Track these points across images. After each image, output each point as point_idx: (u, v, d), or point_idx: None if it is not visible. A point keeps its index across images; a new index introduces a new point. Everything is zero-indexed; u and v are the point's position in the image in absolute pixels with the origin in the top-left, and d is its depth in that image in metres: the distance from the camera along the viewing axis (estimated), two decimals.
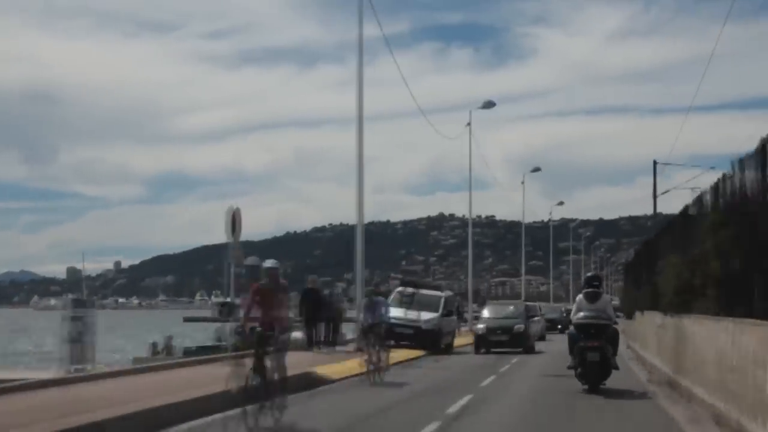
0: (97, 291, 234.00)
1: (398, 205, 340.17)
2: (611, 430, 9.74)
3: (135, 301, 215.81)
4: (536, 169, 57.44)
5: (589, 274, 17.91)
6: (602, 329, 13.68)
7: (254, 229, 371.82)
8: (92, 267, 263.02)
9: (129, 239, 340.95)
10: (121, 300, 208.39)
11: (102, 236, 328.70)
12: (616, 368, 13.93)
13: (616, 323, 14.52)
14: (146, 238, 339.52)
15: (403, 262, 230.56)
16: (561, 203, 74.63)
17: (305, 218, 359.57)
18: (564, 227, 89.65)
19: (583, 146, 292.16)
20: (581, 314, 13.89)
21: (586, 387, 13.48)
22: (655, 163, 37.31)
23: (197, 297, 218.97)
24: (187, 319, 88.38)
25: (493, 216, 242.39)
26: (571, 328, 14.27)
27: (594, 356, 13.40)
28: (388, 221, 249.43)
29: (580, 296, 14.24)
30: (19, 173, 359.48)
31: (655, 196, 36.95)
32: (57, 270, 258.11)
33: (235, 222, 19.34)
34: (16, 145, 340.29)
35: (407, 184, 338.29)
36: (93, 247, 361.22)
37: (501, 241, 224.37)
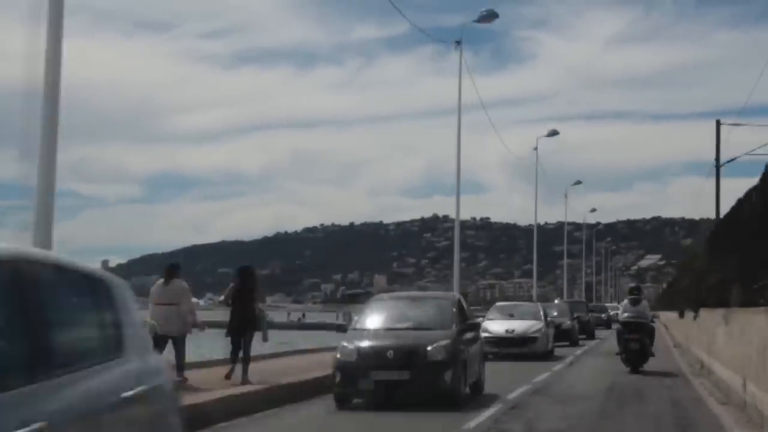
0: None
1: (394, 207, 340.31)
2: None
3: None
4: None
5: (631, 285, 22.99)
6: (642, 326, 18.22)
7: (248, 230, 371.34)
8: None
9: (123, 239, 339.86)
10: None
11: (97, 235, 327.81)
12: (653, 355, 18.53)
13: (653, 322, 19.76)
14: (140, 237, 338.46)
15: (395, 264, 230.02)
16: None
17: (300, 220, 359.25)
18: (560, 230, 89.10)
19: (581, 151, 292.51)
20: (626, 315, 18.60)
21: (628, 369, 17.89)
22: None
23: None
24: None
25: (488, 218, 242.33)
26: (618, 325, 19.25)
27: (635, 346, 17.99)
28: (380, 222, 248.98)
29: (625, 301, 19.32)
30: (16, 171, 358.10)
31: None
32: None
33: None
34: (13, 143, 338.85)
35: (403, 186, 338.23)
36: (88, 246, 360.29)
37: (496, 244, 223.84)
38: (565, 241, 60.73)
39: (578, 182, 57.32)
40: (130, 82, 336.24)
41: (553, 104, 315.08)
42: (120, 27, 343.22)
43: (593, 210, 74.16)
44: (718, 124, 31.61)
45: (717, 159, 31.40)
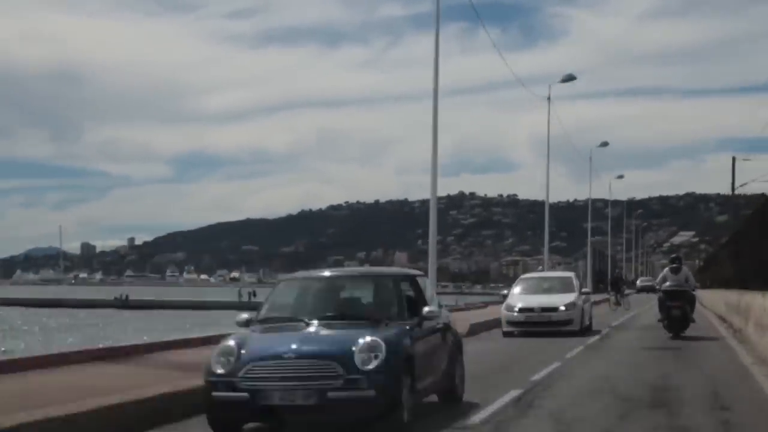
0: (107, 267, 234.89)
1: (420, 185, 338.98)
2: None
3: (98, 276, 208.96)
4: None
5: (672, 255, 23.92)
6: (682, 294, 18.94)
7: (275, 208, 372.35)
8: (108, 244, 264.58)
9: (150, 217, 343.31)
10: (82, 275, 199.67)
11: (125, 214, 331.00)
12: (693, 321, 19.26)
13: (694, 289, 19.84)
14: (167, 216, 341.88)
15: (419, 242, 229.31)
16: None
17: (326, 198, 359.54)
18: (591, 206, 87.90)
19: (613, 128, 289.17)
20: (667, 283, 19.29)
21: (670, 335, 18.66)
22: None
23: (168, 273, 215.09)
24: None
25: (515, 195, 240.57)
26: (660, 293, 19.63)
27: (677, 312, 18.80)
28: (406, 200, 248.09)
29: (666, 270, 19.75)
30: (47, 151, 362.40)
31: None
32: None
33: None
34: (43, 123, 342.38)
35: (430, 164, 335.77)
36: (115, 224, 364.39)
37: (522, 221, 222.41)
38: (590, 207, 59.91)
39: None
40: (157, 62, 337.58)
41: (584, 81, 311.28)
42: (145, 7, 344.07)
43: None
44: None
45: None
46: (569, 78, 38.70)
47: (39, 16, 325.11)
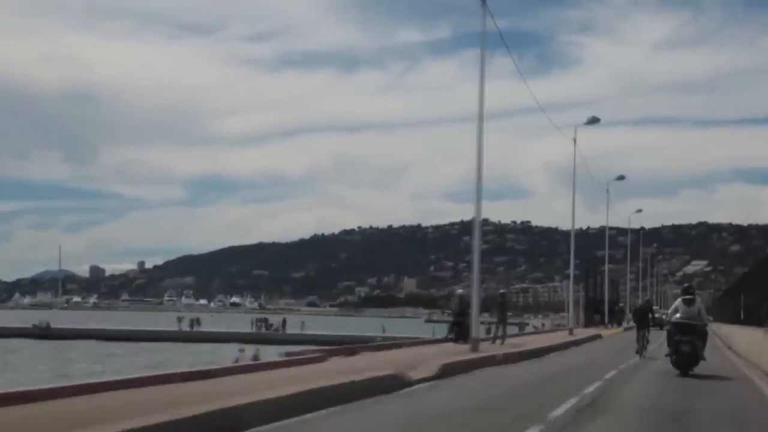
0: (115, 290, 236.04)
1: (435, 211, 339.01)
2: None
3: (92, 300, 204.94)
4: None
5: (685, 285, 22.16)
6: (693, 328, 17.49)
7: (290, 233, 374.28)
8: (119, 267, 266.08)
9: (164, 241, 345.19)
10: (75, 299, 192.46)
11: (138, 237, 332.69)
12: (704, 359, 17.69)
13: (706, 324, 18.36)
14: (180, 239, 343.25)
15: (432, 267, 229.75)
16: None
17: (342, 223, 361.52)
18: (603, 234, 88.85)
19: (627, 157, 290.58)
20: (677, 315, 17.89)
21: (678, 372, 17.31)
22: None
23: (165, 297, 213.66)
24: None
25: (529, 222, 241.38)
26: (670, 326, 18.18)
27: (686, 348, 17.42)
28: (419, 225, 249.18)
29: (678, 301, 18.15)
30: (61, 173, 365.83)
31: None
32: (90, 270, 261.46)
33: None
34: (58, 145, 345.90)
35: (445, 190, 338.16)
36: (129, 248, 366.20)
37: (536, 248, 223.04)
38: (607, 237, 60.76)
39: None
40: (175, 84, 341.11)
41: (599, 109, 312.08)
42: (164, 30, 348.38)
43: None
44: None
45: None
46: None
47: (58, 37, 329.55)
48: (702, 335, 17.68)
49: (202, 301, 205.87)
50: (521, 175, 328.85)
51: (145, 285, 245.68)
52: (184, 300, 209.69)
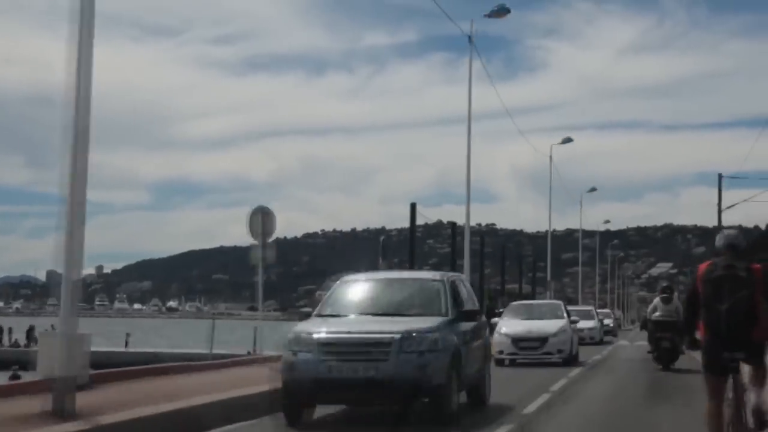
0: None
1: (402, 215, 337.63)
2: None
3: (15, 305, 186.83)
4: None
5: (664, 284, 25.47)
6: (673, 324, 18.73)
7: (251, 237, 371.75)
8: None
9: (127, 245, 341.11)
10: None
11: (102, 241, 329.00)
12: (683, 353, 18.72)
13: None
14: (144, 244, 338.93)
15: None
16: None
17: (305, 227, 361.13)
18: (569, 237, 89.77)
19: (593, 160, 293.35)
20: (657, 313, 19.50)
21: (660, 367, 18.86)
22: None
23: (96, 302, 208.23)
24: None
25: (494, 224, 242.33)
26: (650, 323, 19.75)
27: (666, 344, 18.94)
28: (383, 228, 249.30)
29: (657, 300, 19.96)
30: (24, 177, 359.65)
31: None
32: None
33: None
34: (20, 149, 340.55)
35: (413, 195, 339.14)
36: (92, 252, 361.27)
37: (501, 251, 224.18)
38: (580, 250, 61.46)
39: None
40: (139, 87, 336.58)
41: (564, 113, 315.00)
42: (128, 32, 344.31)
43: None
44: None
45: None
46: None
47: (18, 37, 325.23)
48: (680, 331, 18.10)
49: (137, 306, 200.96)
50: (489, 179, 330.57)
51: (101, 290, 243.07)
52: (117, 305, 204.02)
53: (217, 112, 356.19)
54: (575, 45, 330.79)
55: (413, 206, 25.77)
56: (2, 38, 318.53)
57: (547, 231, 51.06)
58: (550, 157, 41.25)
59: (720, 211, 37.82)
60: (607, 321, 43.02)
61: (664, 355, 18.99)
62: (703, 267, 7.31)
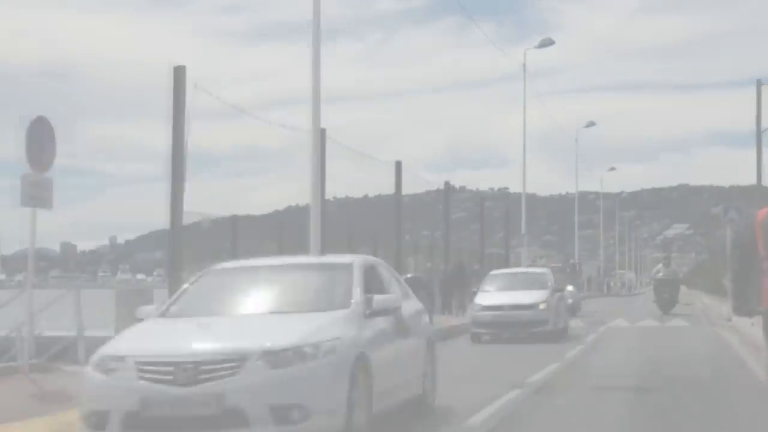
0: (84, 267, 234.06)
1: (415, 181, 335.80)
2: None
3: (17, 278, 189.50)
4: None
5: (664, 255, 35.65)
6: (671, 282, 28.45)
7: (266, 206, 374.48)
8: (91, 243, 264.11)
9: (140, 216, 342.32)
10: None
11: (115, 213, 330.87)
12: (678, 302, 28.45)
13: (679, 279, 30.57)
14: (156, 215, 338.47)
15: (407, 237, 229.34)
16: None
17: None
18: (582, 200, 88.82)
19: (605, 122, 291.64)
20: (660, 274, 28.89)
21: (661, 312, 27.30)
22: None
23: (99, 273, 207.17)
24: None
25: (507, 188, 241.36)
26: (655, 281, 29.33)
27: (666, 296, 27.88)
28: (395, 193, 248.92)
29: (660, 265, 30.37)
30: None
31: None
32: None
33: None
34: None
35: (425, 160, 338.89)
36: (105, 223, 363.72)
37: (513, 215, 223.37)
38: (577, 182, 60.91)
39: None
40: (150, 58, 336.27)
41: (578, 76, 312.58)
42: (136, 2, 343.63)
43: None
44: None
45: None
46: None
47: (27, 11, 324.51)
48: (677, 287, 28.79)
49: (140, 276, 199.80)
50: (502, 143, 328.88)
51: (115, 260, 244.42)
52: (120, 275, 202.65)
53: (228, 82, 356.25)
54: (587, 6, 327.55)
55: (398, 165, 24.74)
56: (13, 14, 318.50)
57: (561, 194, 50.28)
58: (524, 65, 39.17)
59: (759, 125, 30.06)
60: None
61: (665, 303, 27.73)
62: (762, 213, 6.27)
